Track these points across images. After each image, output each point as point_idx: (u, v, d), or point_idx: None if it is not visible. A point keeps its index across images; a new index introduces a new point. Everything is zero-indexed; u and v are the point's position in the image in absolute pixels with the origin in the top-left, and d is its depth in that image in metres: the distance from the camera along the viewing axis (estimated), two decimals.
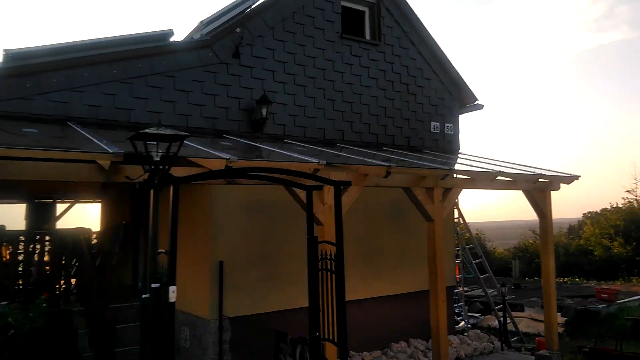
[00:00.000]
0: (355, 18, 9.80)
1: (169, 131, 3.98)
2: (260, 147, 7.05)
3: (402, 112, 9.88)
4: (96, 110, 6.66)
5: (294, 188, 5.50)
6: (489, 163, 9.09)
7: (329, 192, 6.02)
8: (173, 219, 4.01)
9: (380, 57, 9.62)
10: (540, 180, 8.59)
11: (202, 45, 7.59)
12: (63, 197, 16.08)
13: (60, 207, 16.66)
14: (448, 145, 10.59)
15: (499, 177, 7.78)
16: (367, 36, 9.72)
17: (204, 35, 7.55)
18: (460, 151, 10.88)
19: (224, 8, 8.22)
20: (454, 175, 7.67)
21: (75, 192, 15.86)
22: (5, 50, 6.13)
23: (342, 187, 5.37)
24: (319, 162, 5.46)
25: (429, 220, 7.18)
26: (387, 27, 9.79)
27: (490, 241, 28.60)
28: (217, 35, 7.69)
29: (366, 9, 9.76)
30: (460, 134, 10.89)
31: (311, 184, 5.26)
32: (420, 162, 7.50)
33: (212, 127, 7.57)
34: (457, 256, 13.51)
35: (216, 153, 5.20)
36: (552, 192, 8.99)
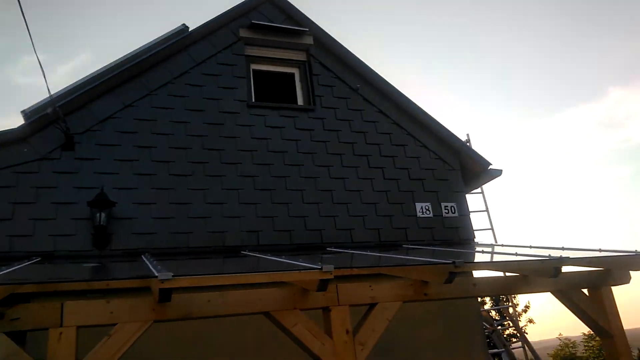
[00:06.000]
0: (281, 81, 7.41)
1: None
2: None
3: (363, 195, 6.82)
4: None
5: None
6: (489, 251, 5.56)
7: None
8: None
9: (315, 125, 6.92)
10: (580, 269, 4.92)
11: (13, 139, 5.50)
12: None
13: None
14: (452, 234, 7.14)
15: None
16: (300, 101, 7.17)
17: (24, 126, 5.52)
18: (476, 241, 7.34)
19: (62, 90, 6.15)
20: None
21: None
22: None
23: None
24: None
25: None
26: (324, 87, 7.20)
27: None
28: (37, 123, 5.59)
29: (296, 70, 7.34)
30: (471, 216, 7.43)
31: None
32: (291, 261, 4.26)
33: (25, 249, 5.14)
34: None
35: None
36: (615, 289, 5.15)
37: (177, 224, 5.75)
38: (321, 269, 3.51)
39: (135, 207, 5.65)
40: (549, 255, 4.57)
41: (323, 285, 3.60)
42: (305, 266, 3.69)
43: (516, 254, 4.97)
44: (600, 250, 5.14)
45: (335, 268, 3.59)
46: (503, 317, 18.25)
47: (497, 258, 5.22)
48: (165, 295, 3.18)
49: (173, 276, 3.08)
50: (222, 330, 5.37)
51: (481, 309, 8.97)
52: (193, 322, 4.51)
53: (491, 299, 21.82)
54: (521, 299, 31.30)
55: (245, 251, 5.83)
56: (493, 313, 19.68)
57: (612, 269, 5.06)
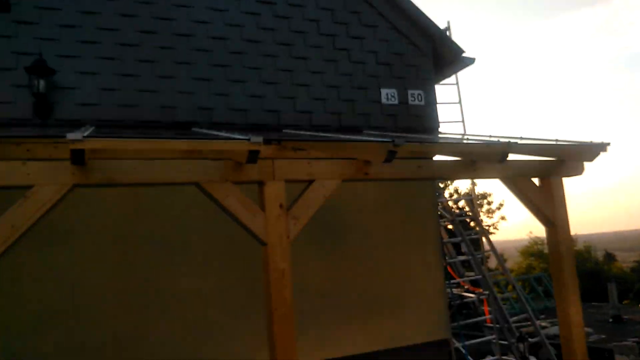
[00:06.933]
0: None
1: None
2: None
3: (324, 77, 6.54)
4: None
5: None
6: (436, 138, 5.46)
7: None
8: None
9: None
10: (532, 158, 4.86)
11: None
12: None
13: None
14: (417, 122, 6.98)
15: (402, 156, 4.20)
16: None
17: None
18: (440, 130, 7.21)
19: None
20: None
21: None
22: None
23: None
24: None
25: (263, 245, 3.84)
26: None
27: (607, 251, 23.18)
28: None
29: None
30: (439, 105, 7.23)
31: None
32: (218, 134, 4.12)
33: None
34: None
35: None
36: (565, 181, 5.13)
37: (123, 96, 5.50)
38: (249, 139, 3.37)
39: (78, 77, 5.36)
40: (498, 139, 4.47)
41: (252, 157, 3.48)
42: (234, 137, 3.55)
43: (467, 139, 4.86)
44: (556, 141, 5.06)
45: (265, 140, 3.46)
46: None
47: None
48: (78, 157, 3.05)
49: (84, 137, 2.93)
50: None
51: (441, 199, 9.11)
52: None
53: (466, 194, 22.41)
54: (495, 198, 32.20)
55: (196, 128, 5.67)
56: (468, 208, 20.28)
57: (565, 159, 5.00)
